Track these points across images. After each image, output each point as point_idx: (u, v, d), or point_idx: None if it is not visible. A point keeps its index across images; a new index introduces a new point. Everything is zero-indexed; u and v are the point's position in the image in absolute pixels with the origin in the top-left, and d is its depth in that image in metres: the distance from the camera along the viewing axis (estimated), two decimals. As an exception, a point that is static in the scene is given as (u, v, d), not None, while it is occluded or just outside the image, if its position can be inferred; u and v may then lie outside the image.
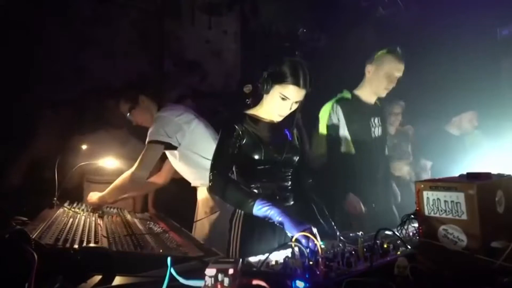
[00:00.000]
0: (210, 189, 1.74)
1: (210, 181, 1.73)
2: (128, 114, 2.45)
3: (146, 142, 2.28)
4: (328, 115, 2.39)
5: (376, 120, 2.46)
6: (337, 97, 2.46)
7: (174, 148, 2.31)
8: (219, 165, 1.75)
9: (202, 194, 2.47)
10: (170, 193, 2.82)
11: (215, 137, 2.39)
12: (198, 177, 2.43)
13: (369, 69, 2.39)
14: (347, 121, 2.38)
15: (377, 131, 2.46)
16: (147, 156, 2.24)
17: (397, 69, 2.33)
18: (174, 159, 2.44)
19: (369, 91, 2.45)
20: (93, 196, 2.23)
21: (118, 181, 2.26)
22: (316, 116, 2.52)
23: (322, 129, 2.41)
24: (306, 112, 2.81)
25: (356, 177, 2.35)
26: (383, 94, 2.45)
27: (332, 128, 2.38)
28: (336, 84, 2.63)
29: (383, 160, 2.55)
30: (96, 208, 2.15)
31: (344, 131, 2.39)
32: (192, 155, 2.37)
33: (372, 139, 2.45)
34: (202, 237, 2.27)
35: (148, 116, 2.45)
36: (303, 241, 1.26)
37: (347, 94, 2.46)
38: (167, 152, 2.42)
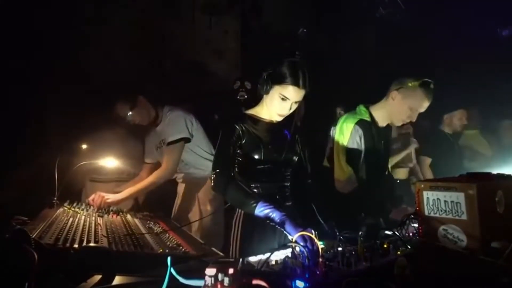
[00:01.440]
0: (213, 188, 1.77)
1: (212, 180, 1.75)
2: (129, 113, 2.52)
3: (172, 141, 2.47)
4: (349, 139, 2.23)
5: (380, 145, 2.34)
6: (356, 116, 2.29)
7: (189, 141, 2.54)
8: (221, 165, 1.76)
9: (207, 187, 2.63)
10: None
11: (206, 135, 2.69)
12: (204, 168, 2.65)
13: (394, 95, 2.23)
14: (365, 145, 2.25)
15: (379, 155, 2.35)
16: (177, 154, 2.47)
17: (423, 106, 2.22)
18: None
19: (386, 116, 2.32)
20: (111, 197, 2.24)
21: (149, 182, 2.42)
22: (319, 123, 2.46)
23: (343, 150, 2.24)
24: (308, 116, 2.80)
25: (363, 199, 2.21)
26: (398, 124, 2.35)
27: (355, 154, 2.23)
28: (337, 88, 2.58)
29: (383, 179, 2.46)
30: (107, 206, 2.17)
31: (362, 156, 2.26)
32: (198, 150, 2.63)
33: (377, 163, 2.35)
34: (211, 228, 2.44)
35: (145, 115, 2.57)
36: (302, 243, 1.27)
37: (365, 115, 2.30)
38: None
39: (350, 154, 2.23)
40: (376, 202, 2.23)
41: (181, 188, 2.74)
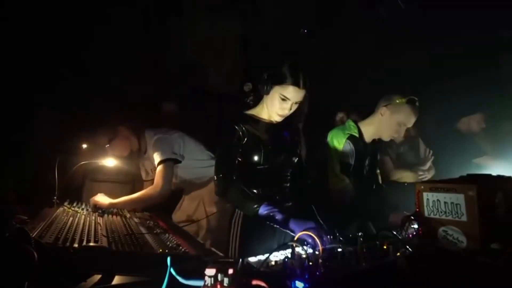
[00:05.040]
0: (217, 193, 1.78)
1: (216, 185, 1.76)
2: (107, 145, 2.51)
3: (160, 161, 2.43)
4: (342, 149, 2.36)
5: (367, 161, 2.46)
6: (346, 132, 2.40)
7: (179, 162, 2.52)
8: (224, 169, 1.77)
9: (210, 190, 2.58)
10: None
11: (198, 142, 2.68)
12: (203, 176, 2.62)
13: (383, 111, 2.37)
14: (354, 159, 2.38)
15: (367, 169, 2.47)
16: (166, 173, 2.43)
17: (410, 122, 2.36)
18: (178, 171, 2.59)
19: (373, 131, 2.44)
20: (102, 200, 2.25)
21: (140, 196, 2.38)
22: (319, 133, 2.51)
23: (337, 162, 2.36)
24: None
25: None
26: (387, 139, 2.46)
27: (347, 164, 2.36)
28: (338, 89, 2.60)
29: (372, 192, 2.56)
30: (97, 208, 2.16)
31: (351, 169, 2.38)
32: (194, 162, 2.60)
33: (364, 177, 2.46)
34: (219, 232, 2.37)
35: (126, 146, 2.55)
36: (308, 239, 1.27)
37: (354, 130, 2.41)
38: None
39: (343, 165, 2.35)
40: (362, 214, 2.31)
41: (186, 191, 2.73)
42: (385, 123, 2.38)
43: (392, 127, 2.36)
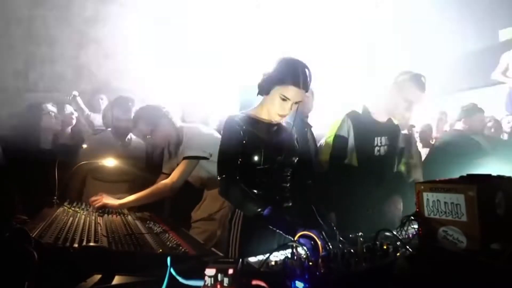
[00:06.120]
0: (220, 193, 1.78)
1: (219, 185, 1.76)
2: (149, 136, 2.55)
3: (186, 156, 2.45)
4: (338, 126, 2.31)
5: (381, 140, 2.34)
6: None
7: (207, 159, 2.51)
8: (226, 169, 1.76)
9: None
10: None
11: None
12: None
13: (389, 89, 2.29)
14: (355, 135, 2.30)
15: (381, 150, 2.35)
16: (186, 169, 2.44)
17: (417, 98, 2.25)
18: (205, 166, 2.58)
19: (383, 110, 2.36)
20: (111, 202, 2.23)
21: (152, 190, 2.38)
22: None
23: (329, 138, 2.34)
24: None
25: (356, 188, 2.26)
26: (398, 117, 2.37)
27: (339, 139, 2.30)
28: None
29: (390, 177, 2.45)
30: (99, 208, 2.15)
31: (351, 145, 2.31)
32: None
33: (376, 157, 2.34)
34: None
35: (165, 137, 2.59)
36: (304, 243, 1.27)
37: (358, 108, 2.37)
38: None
39: (335, 140, 2.28)
40: (380, 199, 2.28)
41: (210, 187, 2.69)
42: (392, 101, 2.28)
43: (400, 104, 2.25)
